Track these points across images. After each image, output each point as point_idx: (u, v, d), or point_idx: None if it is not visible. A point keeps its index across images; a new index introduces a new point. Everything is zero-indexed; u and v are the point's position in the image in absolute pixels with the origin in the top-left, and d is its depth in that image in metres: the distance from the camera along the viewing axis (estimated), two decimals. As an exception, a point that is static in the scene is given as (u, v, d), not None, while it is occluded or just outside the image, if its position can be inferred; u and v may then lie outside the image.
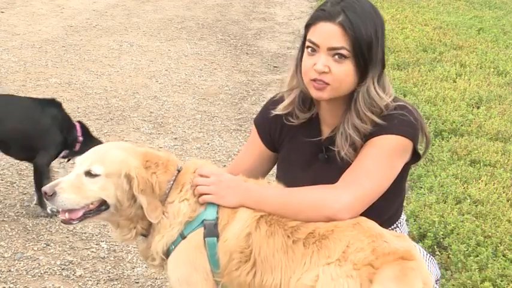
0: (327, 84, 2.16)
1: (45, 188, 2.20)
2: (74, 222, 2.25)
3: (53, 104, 3.97)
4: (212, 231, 2.18)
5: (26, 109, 3.86)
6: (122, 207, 2.24)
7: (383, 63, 2.23)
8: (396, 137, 2.19)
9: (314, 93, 2.21)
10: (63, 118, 3.96)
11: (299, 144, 2.39)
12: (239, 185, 2.25)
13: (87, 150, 3.99)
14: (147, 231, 2.31)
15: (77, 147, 3.97)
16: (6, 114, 3.76)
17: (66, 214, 2.23)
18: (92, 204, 2.23)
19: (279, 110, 2.37)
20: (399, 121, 2.19)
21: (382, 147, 2.18)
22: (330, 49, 2.14)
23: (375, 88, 2.19)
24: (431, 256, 2.55)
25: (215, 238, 2.18)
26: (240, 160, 2.57)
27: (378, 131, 2.19)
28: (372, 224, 2.10)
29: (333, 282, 1.95)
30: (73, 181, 2.21)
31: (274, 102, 2.44)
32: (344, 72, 2.15)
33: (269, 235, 2.13)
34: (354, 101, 2.20)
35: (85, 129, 4.05)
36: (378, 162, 2.16)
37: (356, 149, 2.22)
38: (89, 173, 2.21)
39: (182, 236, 2.22)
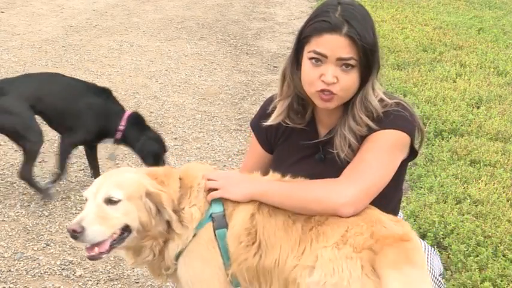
0: (335, 94, 2.18)
1: (73, 226, 2.08)
2: (103, 256, 2.16)
3: (98, 92, 4.16)
4: (221, 222, 2.21)
5: (69, 89, 4.08)
6: (146, 228, 2.19)
7: (379, 64, 2.25)
8: (394, 131, 2.22)
9: (321, 104, 2.23)
10: (104, 107, 4.09)
11: (294, 144, 2.42)
12: (244, 179, 2.29)
13: (134, 138, 4.05)
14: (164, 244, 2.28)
15: (118, 135, 4.08)
16: (50, 91, 4.02)
17: (96, 249, 2.13)
18: (114, 233, 2.15)
19: (271, 121, 2.40)
20: (395, 116, 2.22)
21: (381, 141, 2.21)
22: (339, 59, 2.15)
23: (373, 91, 2.22)
24: (434, 249, 2.59)
25: (225, 229, 2.20)
26: (245, 164, 2.62)
27: (375, 129, 2.22)
28: (371, 210, 2.14)
29: (331, 264, 1.99)
30: (96, 212, 2.12)
31: (266, 115, 2.44)
32: (351, 81, 2.18)
33: (271, 214, 2.18)
34: (352, 104, 2.23)
35: (134, 119, 4.13)
36: (378, 156, 2.19)
37: (353, 151, 2.25)
38: (109, 200, 2.13)
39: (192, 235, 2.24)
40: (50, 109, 3.99)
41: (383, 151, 2.20)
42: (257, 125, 2.51)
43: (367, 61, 2.17)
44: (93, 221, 2.09)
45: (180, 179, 2.31)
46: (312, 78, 2.20)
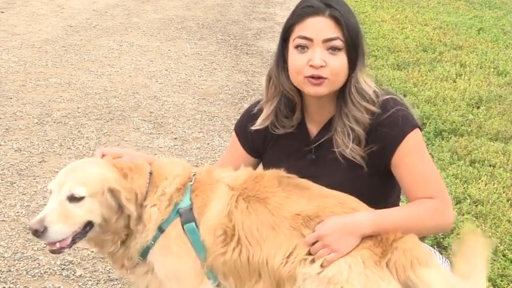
0: (325, 78, 2.14)
1: (34, 225, 2.08)
2: (65, 250, 2.19)
3: None
4: (188, 216, 2.18)
5: None
6: (109, 224, 2.20)
7: (364, 53, 2.24)
8: (414, 132, 2.20)
9: (312, 90, 2.18)
10: None
11: (284, 147, 2.37)
12: (344, 225, 2.05)
13: None
14: (127, 236, 2.29)
15: None
16: None
17: (57, 244, 2.14)
18: (78, 228, 2.17)
19: (258, 125, 2.35)
20: (402, 118, 2.19)
21: (419, 148, 2.21)
22: (325, 41, 2.13)
23: (363, 77, 2.21)
24: (447, 260, 2.49)
25: (193, 223, 2.17)
26: (222, 163, 2.53)
27: (396, 137, 2.18)
28: (356, 204, 2.14)
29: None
30: (59, 210, 2.12)
31: (252, 116, 2.40)
32: (340, 64, 2.15)
33: (251, 211, 2.13)
34: (348, 93, 2.19)
35: None
36: (429, 162, 2.22)
37: (360, 143, 2.19)
38: (72, 198, 2.13)
39: (161, 231, 2.22)
40: None
41: (426, 154, 2.22)
42: (242, 128, 2.46)
43: (353, 43, 2.15)
44: (56, 219, 2.10)
45: (150, 173, 2.28)
46: (299, 65, 2.16)
